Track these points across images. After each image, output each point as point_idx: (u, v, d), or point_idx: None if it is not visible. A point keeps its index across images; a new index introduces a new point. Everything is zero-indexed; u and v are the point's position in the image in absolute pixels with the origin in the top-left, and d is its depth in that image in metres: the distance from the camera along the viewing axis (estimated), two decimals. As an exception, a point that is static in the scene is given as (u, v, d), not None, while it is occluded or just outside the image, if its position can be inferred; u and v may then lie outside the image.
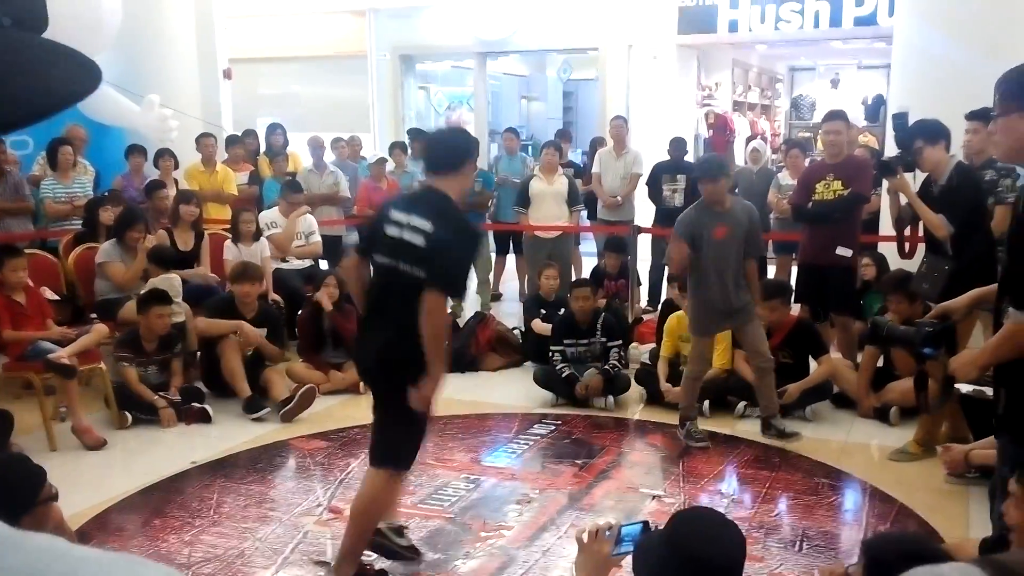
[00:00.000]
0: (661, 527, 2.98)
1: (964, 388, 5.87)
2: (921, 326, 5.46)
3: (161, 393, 8.23)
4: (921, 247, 8.02)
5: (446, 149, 5.22)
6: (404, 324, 4.85)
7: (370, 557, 5.59)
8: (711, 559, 2.74)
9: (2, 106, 0.98)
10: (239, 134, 13.59)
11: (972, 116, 8.03)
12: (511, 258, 13.36)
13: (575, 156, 17.62)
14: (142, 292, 8.57)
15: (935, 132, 7.32)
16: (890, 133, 8.65)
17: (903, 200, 7.67)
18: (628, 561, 2.95)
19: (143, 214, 9.86)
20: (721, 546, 2.78)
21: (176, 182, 11.60)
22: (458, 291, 5.59)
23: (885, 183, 8.22)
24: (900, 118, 7.59)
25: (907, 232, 8.28)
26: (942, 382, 5.71)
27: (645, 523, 3.09)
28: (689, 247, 7.33)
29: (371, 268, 5.23)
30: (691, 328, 7.74)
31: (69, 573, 0.88)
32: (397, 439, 5.18)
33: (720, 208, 7.31)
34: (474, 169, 5.40)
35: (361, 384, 8.87)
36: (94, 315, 9.01)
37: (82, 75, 1.07)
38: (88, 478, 6.83)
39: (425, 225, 4.85)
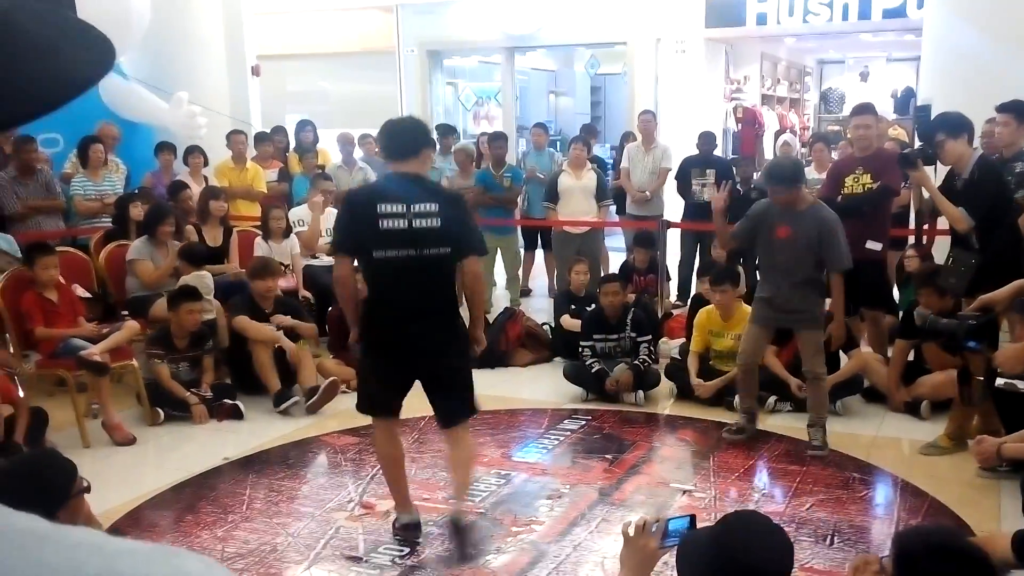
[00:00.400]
0: (708, 523, 2.97)
1: (998, 381, 5.86)
2: (964, 319, 5.44)
3: (193, 390, 8.26)
4: (938, 240, 8.00)
5: (407, 136, 5.63)
6: (446, 298, 5.50)
7: (402, 551, 5.61)
8: (760, 566, 2.73)
9: (3, 100, 0.90)
10: (268, 131, 13.59)
11: (1003, 109, 8.00)
12: (539, 254, 13.36)
13: (602, 151, 17.62)
14: (173, 289, 8.61)
15: (957, 125, 7.26)
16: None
17: (925, 194, 7.62)
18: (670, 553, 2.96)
19: (172, 209, 9.89)
20: (771, 553, 2.77)
21: (205, 179, 11.62)
22: (484, 250, 5.89)
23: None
24: (923, 111, 7.58)
25: (925, 226, 8.28)
26: (985, 375, 5.69)
27: (692, 517, 3.08)
28: (743, 239, 7.55)
29: (369, 265, 5.50)
30: (751, 316, 7.72)
31: (106, 567, 0.88)
32: (472, 390, 5.78)
33: (791, 210, 7.18)
34: (432, 154, 6.03)
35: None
36: (125, 312, 9.05)
37: (93, 56, 1.02)
38: (121, 474, 6.87)
39: (432, 207, 5.31)
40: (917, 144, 7.63)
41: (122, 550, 0.92)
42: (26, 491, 3.79)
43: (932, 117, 7.50)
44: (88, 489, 4.01)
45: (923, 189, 7.61)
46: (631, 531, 3.08)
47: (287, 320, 8.80)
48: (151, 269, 9.12)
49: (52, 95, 0.94)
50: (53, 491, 3.81)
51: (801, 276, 7.15)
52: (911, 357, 8.21)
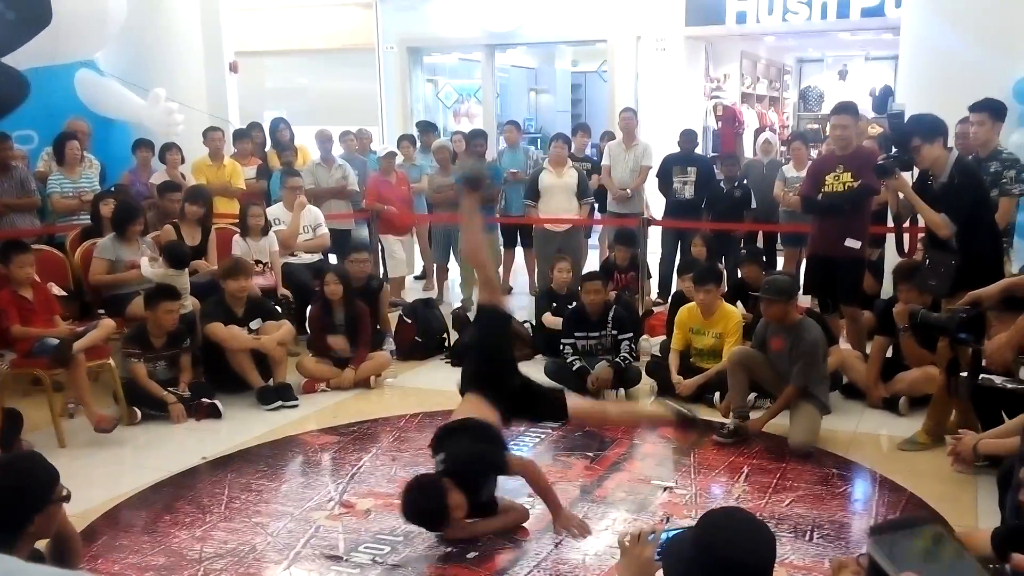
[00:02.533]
0: (689, 519, 2.97)
1: (997, 380, 5.87)
2: (955, 313, 5.47)
3: (170, 389, 8.22)
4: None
5: None
6: None
7: (383, 550, 5.59)
8: (742, 562, 2.71)
9: None
10: (245, 128, 13.54)
11: (977, 108, 8.01)
12: (519, 251, 13.35)
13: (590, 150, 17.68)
14: (150, 287, 8.56)
15: (932, 128, 7.21)
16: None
17: (901, 196, 7.60)
18: None
19: (140, 207, 9.83)
20: (752, 548, 2.75)
21: (183, 176, 11.56)
22: None
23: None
24: (897, 116, 7.54)
25: (906, 225, 8.28)
26: (972, 367, 5.71)
27: (691, 528, 3.06)
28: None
29: None
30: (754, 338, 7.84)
31: None
32: None
33: (783, 323, 7.43)
34: None
35: (372, 379, 8.92)
36: (101, 311, 9.00)
37: (12, 87, 1.04)
38: (98, 474, 6.82)
39: None
40: (892, 150, 7.59)
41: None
42: (5, 491, 3.76)
43: (906, 121, 7.45)
44: (68, 498, 3.97)
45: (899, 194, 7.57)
46: (627, 541, 3.07)
47: (278, 351, 8.78)
48: (103, 268, 9.08)
49: None
50: (32, 494, 3.78)
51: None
52: (889, 353, 8.22)
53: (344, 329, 9.13)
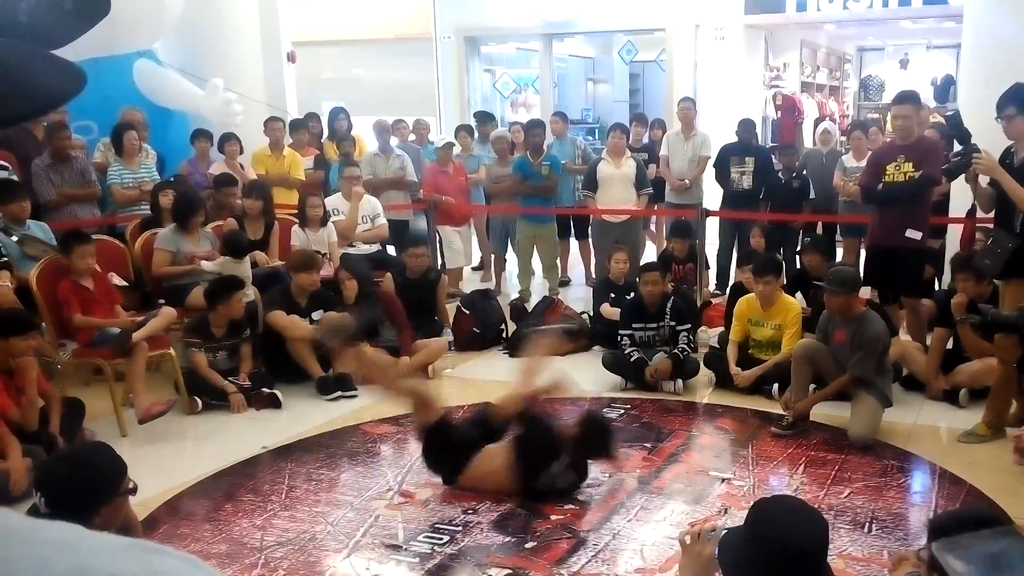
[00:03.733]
0: (746, 511, 2.97)
1: None
2: (1022, 310, 5.45)
3: (231, 378, 8.28)
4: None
5: None
6: None
7: (442, 540, 5.61)
8: (796, 545, 2.72)
9: None
10: (302, 118, 13.59)
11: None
12: (573, 243, 13.33)
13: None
14: (215, 278, 8.61)
15: None
16: (965, 115, 8.53)
17: (982, 180, 7.48)
18: None
19: (202, 200, 9.91)
20: (805, 531, 2.76)
21: (241, 167, 11.62)
22: None
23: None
24: (954, 117, 7.47)
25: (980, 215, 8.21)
26: None
27: (728, 530, 3.07)
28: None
29: None
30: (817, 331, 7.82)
31: (78, 564, 0.87)
32: None
33: (846, 315, 7.39)
34: None
35: (430, 369, 8.94)
36: (162, 300, 9.07)
37: (65, 79, 1.07)
38: (159, 463, 6.87)
39: None
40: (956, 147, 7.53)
41: (96, 547, 0.91)
42: (74, 480, 3.81)
43: (962, 121, 7.37)
44: (135, 490, 4.01)
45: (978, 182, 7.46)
46: (687, 539, 3.08)
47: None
48: (166, 260, 9.12)
49: (28, 105, 1.05)
50: (100, 486, 3.82)
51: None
52: (950, 345, 8.16)
53: (385, 319, 9.16)
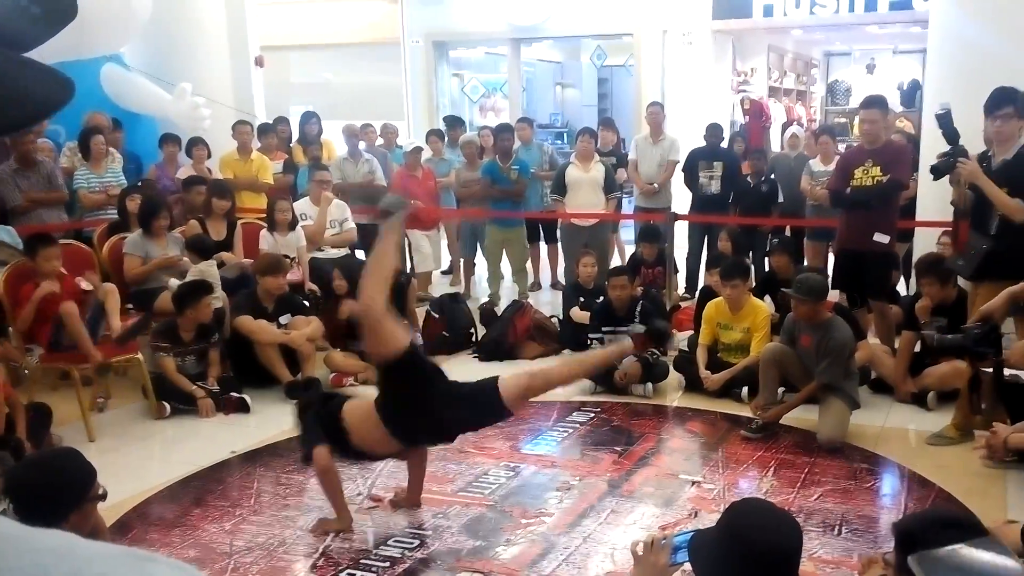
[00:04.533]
0: (716, 513, 2.98)
1: (1006, 373, 5.88)
2: (969, 331, 5.48)
3: (199, 383, 8.25)
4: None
5: None
6: None
7: (412, 544, 5.60)
8: (770, 549, 2.72)
9: None
10: (271, 122, 13.56)
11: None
12: (542, 247, 13.35)
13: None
14: (184, 283, 8.60)
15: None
16: (929, 122, 8.58)
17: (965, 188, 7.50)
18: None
19: (166, 201, 9.89)
20: (780, 533, 2.77)
21: (209, 171, 11.59)
22: None
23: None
24: (944, 116, 7.47)
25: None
26: (994, 379, 5.71)
27: (696, 532, 3.07)
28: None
29: None
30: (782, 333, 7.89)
31: (75, 572, 0.86)
32: None
33: (813, 321, 7.42)
34: None
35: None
36: (130, 305, 9.04)
37: (56, 87, 1.07)
38: (128, 468, 6.85)
39: None
40: (928, 139, 7.55)
41: (92, 555, 0.90)
42: (43, 486, 3.79)
43: (952, 120, 7.38)
44: (104, 496, 4.00)
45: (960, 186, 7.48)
46: (639, 549, 3.08)
47: (306, 347, 8.78)
48: (137, 264, 9.11)
49: (18, 114, 1.07)
50: (70, 490, 3.81)
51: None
52: (918, 348, 8.19)
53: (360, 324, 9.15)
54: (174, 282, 8.89)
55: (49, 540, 0.91)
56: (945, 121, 7.43)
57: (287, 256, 9.75)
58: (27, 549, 0.88)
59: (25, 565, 0.86)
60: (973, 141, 7.62)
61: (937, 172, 7.49)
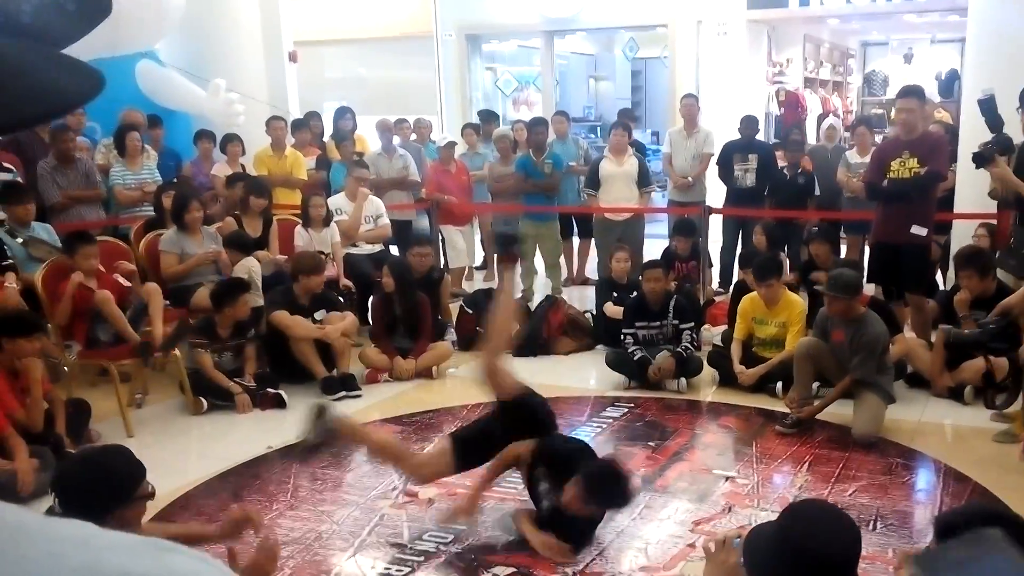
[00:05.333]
0: (751, 508, 2.97)
1: None
2: (985, 326, 5.46)
3: (236, 379, 8.29)
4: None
5: None
6: None
7: (446, 539, 5.62)
8: (828, 556, 2.70)
9: (6, 107, 0.98)
10: (303, 117, 13.59)
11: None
12: (575, 241, 13.33)
13: (643, 136, 17.57)
14: (221, 280, 8.65)
15: None
16: (968, 113, 8.51)
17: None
18: None
19: (195, 191, 9.96)
20: (838, 542, 2.74)
21: (243, 167, 11.63)
22: None
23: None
24: (988, 102, 7.42)
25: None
26: (1012, 374, 5.67)
27: (753, 529, 3.05)
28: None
29: None
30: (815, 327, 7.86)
31: (91, 561, 0.87)
32: None
33: (846, 316, 7.41)
34: None
35: (434, 369, 8.95)
36: (167, 302, 9.10)
37: (85, 79, 1.09)
38: (165, 463, 6.86)
39: None
40: (969, 129, 7.49)
41: (109, 544, 0.91)
42: (92, 482, 3.81)
43: (996, 107, 7.33)
44: (153, 495, 4.02)
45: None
46: (712, 547, 3.07)
47: (340, 342, 8.83)
48: (173, 262, 9.13)
49: (47, 105, 1.07)
50: (116, 487, 3.82)
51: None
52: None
53: (404, 320, 9.17)
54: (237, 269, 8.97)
55: (66, 529, 0.92)
56: (988, 107, 7.37)
57: (322, 252, 9.77)
58: (43, 538, 0.89)
59: (41, 554, 0.87)
60: (1013, 132, 7.57)
61: (980, 160, 7.44)
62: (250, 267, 8.98)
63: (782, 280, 8.58)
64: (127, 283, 8.69)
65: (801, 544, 2.70)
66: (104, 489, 3.79)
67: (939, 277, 10.37)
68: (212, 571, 0.96)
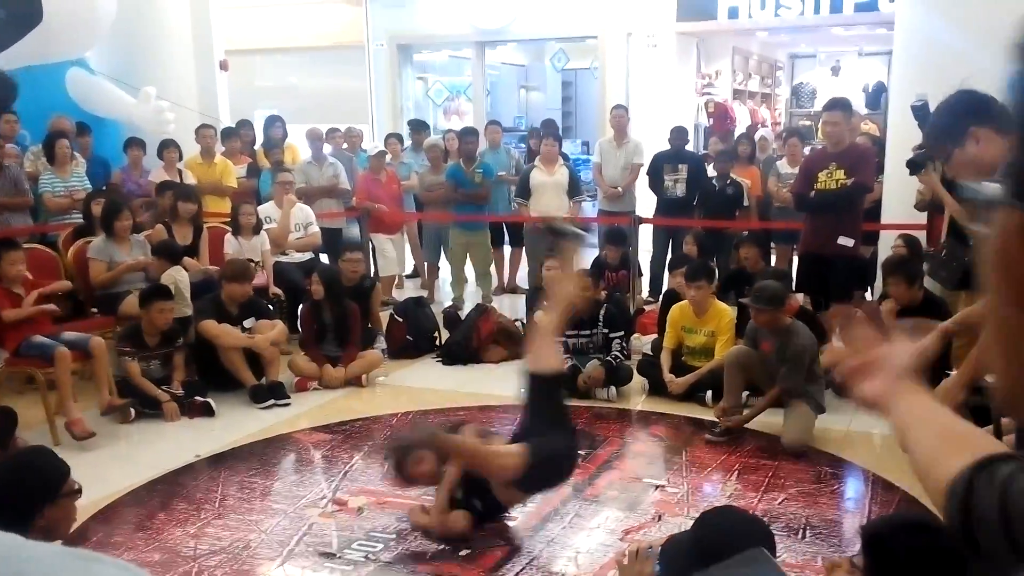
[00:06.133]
0: (680, 517, 2.98)
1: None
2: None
3: (164, 387, 8.22)
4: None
5: None
6: None
7: (376, 548, 5.61)
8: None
9: None
10: (234, 126, 13.51)
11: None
12: (506, 250, 13.36)
13: (572, 147, 17.62)
14: (144, 287, 8.58)
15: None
16: (895, 124, 8.59)
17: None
18: None
19: (125, 201, 9.86)
20: (750, 542, 2.76)
21: (180, 173, 11.54)
22: None
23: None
24: (922, 108, 7.47)
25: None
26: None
27: (668, 538, 3.08)
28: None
29: None
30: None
31: (16, 574, 0.86)
32: None
33: (773, 327, 7.47)
34: None
35: (363, 377, 8.92)
36: (94, 309, 9.02)
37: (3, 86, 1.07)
38: (92, 472, 6.77)
39: None
40: (897, 141, 7.56)
41: (35, 555, 0.90)
42: (15, 483, 3.79)
43: (929, 112, 7.39)
44: (79, 492, 4.00)
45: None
46: (625, 560, 3.08)
47: (270, 351, 8.78)
48: (102, 269, 9.06)
49: None
50: (41, 486, 3.81)
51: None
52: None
53: (333, 328, 9.14)
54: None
55: None
56: (921, 113, 7.43)
57: (251, 260, 9.73)
58: None
59: None
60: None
61: (913, 167, 7.49)
62: (176, 277, 8.91)
63: (712, 287, 8.60)
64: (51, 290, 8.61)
65: (717, 551, 2.72)
66: (30, 488, 3.78)
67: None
68: None
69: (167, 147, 11.59)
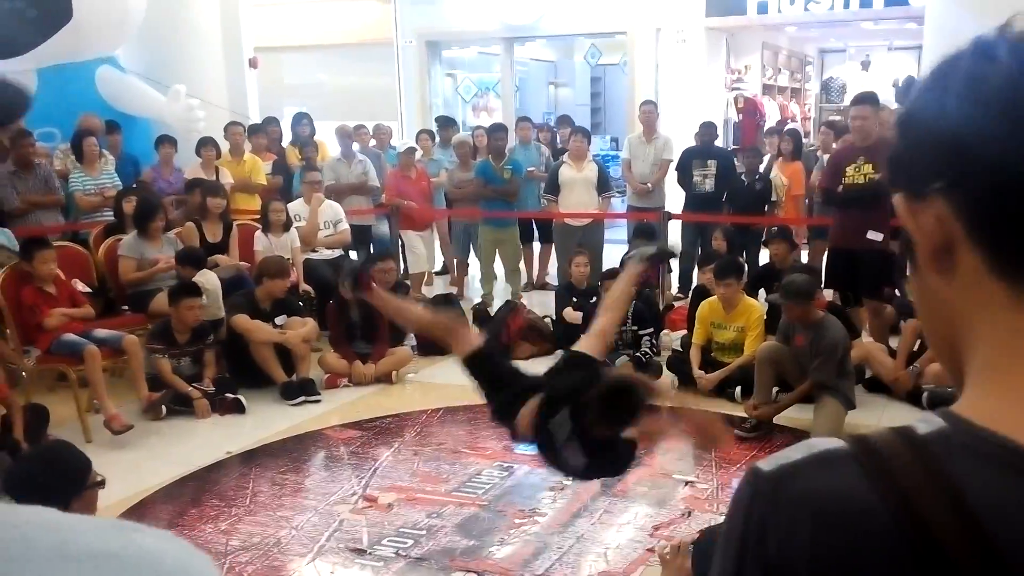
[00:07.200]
0: (710, 513, 2.98)
1: None
2: None
3: (195, 384, 8.26)
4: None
5: None
6: None
7: (406, 544, 5.62)
8: None
9: None
10: (261, 123, 13.53)
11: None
12: (535, 247, 13.35)
13: (601, 143, 17.61)
14: (173, 284, 8.62)
15: None
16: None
17: None
18: None
19: (161, 204, 9.88)
20: None
21: (217, 171, 11.56)
22: None
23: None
24: None
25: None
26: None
27: (705, 531, 3.08)
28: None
29: None
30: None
31: (60, 542, 0.87)
32: None
33: (805, 321, 7.47)
34: None
35: (393, 374, 8.93)
36: (125, 307, 9.06)
37: (11, 98, 1.09)
38: (124, 469, 6.84)
39: None
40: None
41: (76, 526, 0.91)
42: (42, 479, 3.84)
43: None
44: (103, 484, 4.05)
45: None
46: (667, 554, 3.08)
47: (301, 347, 8.82)
48: (132, 267, 9.10)
49: None
50: (68, 481, 3.86)
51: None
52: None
53: (361, 325, 9.15)
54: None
55: (32, 514, 0.92)
56: None
57: (281, 257, 9.75)
58: (10, 523, 0.89)
59: (8, 538, 0.87)
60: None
61: None
62: (205, 281, 8.92)
63: (741, 283, 8.58)
64: (86, 288, 8.66)
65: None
66: (58, 481, 3.84)
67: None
68: (178, 549, 0.97)
69: (204, 146, 11.59)
